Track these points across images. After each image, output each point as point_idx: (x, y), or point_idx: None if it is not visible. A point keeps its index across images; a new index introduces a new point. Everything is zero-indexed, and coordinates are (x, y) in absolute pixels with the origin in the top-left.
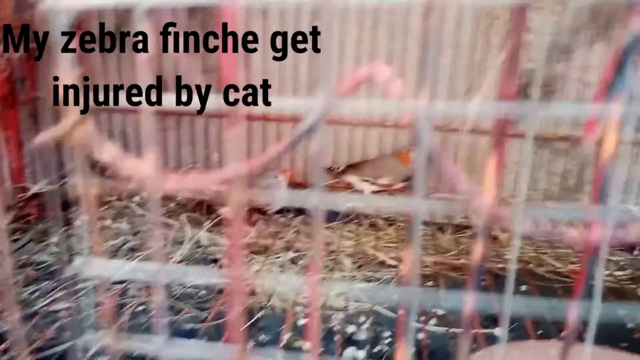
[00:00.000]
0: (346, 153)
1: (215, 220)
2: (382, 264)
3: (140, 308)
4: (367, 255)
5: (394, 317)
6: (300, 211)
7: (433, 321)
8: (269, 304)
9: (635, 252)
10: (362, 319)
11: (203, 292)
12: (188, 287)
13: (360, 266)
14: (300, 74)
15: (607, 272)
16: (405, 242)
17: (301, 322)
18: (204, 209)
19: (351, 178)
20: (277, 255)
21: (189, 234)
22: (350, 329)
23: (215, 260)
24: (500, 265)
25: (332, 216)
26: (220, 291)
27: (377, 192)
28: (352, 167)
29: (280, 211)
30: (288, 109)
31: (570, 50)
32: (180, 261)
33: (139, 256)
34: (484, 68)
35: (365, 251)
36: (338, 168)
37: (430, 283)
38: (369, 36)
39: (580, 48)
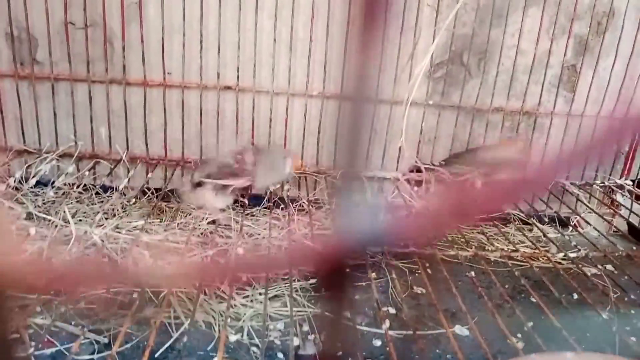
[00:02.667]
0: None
1: (108, 210)
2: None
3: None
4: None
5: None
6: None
7: (386, 323)
8: (190, 317)
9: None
10: (306, 328)
11: (101, 307)
12: (80, 303)
13: None
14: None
15: (562, 254)
16: None
17: (233, 338)
18: (92, 196)
19: (457, 168)
20: (193, 254)
21: (76, 231)
22: (295, 341)
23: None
24: (451, 252)
25: (254, 201)
26: (123, 305)
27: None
28: (456, 158)
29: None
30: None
31: (505, 14)
32: None
33: None
34: None
35: (298, 241)
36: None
37: (374, 275)
38: None
39: (515, 12)
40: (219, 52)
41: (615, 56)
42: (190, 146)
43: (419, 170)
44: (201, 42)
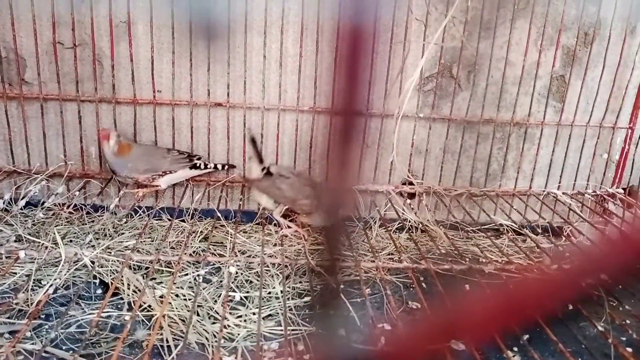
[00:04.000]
0: None
1: (99, 231)
2: (312, 272)
3: None
4: (295, 263)
5: None
6: (207, 211)
7: (382, 341)
8: (183, 339)
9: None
10: (301, 347)
11: (92, 331)
12: (70, 327)
13: (287, 277)
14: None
15: (555, 265)
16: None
17: (227, 359)
18: (83, 216)
19: None
20: (185, 273)
21: (65, 254)
22: None
23: (104, 285)
24: (445, 266)
25: (247, 217)
26: (115, 329)
27: None
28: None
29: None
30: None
31: (493, 27)
32: (56, 291)
33: None
34: None
35: (291, 258)
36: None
37: (369, 291)
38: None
39: (502, 25)
40: (208, 69)
41: (603, 66)
42: None
43: (411, 183)
44: (191, 59)
